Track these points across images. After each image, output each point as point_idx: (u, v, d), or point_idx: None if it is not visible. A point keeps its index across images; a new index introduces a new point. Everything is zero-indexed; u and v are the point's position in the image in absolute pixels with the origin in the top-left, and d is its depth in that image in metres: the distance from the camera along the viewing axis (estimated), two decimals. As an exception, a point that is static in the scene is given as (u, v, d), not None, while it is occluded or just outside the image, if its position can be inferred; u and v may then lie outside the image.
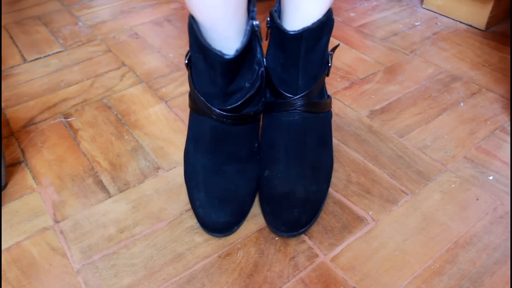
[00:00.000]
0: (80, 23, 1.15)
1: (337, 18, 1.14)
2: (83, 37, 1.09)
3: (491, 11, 1.03)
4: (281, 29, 0.54)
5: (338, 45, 0.64)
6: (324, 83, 0.62)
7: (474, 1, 1.04)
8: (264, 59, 0.60)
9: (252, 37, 0.54)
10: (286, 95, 0.59)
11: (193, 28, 0.51)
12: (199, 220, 0.59)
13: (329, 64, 0.61)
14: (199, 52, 0.52)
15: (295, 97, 0.58)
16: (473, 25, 1.07)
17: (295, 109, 0.59)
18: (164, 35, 1.08)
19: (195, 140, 0.61)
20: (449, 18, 1.11)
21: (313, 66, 0.57)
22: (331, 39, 0.79)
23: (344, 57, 0.97)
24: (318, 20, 0.53)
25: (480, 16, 1.04)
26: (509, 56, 0.95)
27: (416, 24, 1.09)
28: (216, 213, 0.58)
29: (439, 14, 1.12)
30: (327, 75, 0.62)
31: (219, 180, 0.60)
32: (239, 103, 0.56)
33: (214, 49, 0.50)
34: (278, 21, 0.55)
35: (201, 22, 0.51)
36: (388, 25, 1.09)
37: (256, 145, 0.63)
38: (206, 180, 0.60)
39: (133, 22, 1.14)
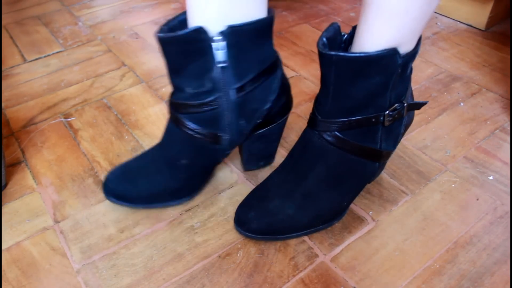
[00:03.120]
0: (80, 23, 1.15)
1: (336, 18, 1.14)
2: (83, 37, 1.09)
3: (491, 11, 1.03)
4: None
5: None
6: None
7: (474, 1, 1.04)
8: (232, 92, 0.56)
9: (201, 45, 0.52)
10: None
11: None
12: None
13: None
14: None
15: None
16: (473, 25, 1.07)
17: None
18: (164, 35, 1.08)
19: None
20: (449, 18, 1.11)
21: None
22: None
23: (344, 57, 0.97)
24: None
25: (480, 16, 1.04)
26: (509, 56, 0.95)
27: (416, 24, 1.09)
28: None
29: (439, 14, 1.12)
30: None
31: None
32: (180, 101, 0.57)
33: (160, 28, 0.54)
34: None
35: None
36: (388, 25, 1.09)
37: (179, 158, 0.61)
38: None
39: (133, 22, 1.14)
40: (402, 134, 0.58)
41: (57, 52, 1.03)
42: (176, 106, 0.58)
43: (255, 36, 0.54)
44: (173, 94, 0.59)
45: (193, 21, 0.53)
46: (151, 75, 0.93)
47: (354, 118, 0.52)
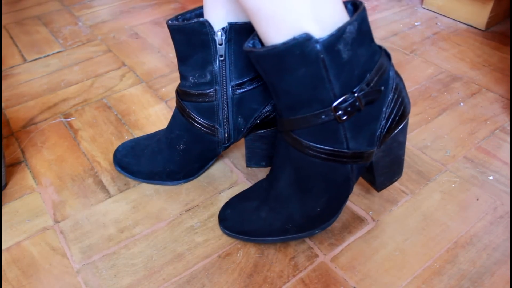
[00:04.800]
0: (80, 23, 1.15)
1: (337, 18, 1.14)
2: (83, 37, 1.09)
3: (491, 11, 1.03)
4: None
5: None
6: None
7: (474, 1, 1.04)
8: (230, 87, 0.58)
9: (204, 38, 0.55)
10: None
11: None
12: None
13: None
14: None
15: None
16: (473, 25, 1.07)
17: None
18: (164, 35, 1.08)
19: None
20: (449, 18, 1.11)
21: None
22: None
23: (344, 57, 0.97)
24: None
25: (480, 16, 1.04)
26: (509, 56, 0.95)
27: (416, 24, 1.09)
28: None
29: (439, 14, 1.12)
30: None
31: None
32: (183, 86, 0.61)
33: (175, 17, 0.57)
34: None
35: None
36: (388, 25, 1.09)
37: (178, 142, 0.64)
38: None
39: (133, 22, 1.14)
40: (386, 131, 0.52)
41: (57, 52, 1.03)
42: (180, 93, 0.62)
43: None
44: (180, 81, 0.62)
45: (205, 16, 0.56)
46: (151, 75, 0.93)
47: (299, 116, 0.48)
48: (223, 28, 0.54)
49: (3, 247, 0.59)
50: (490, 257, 0.56)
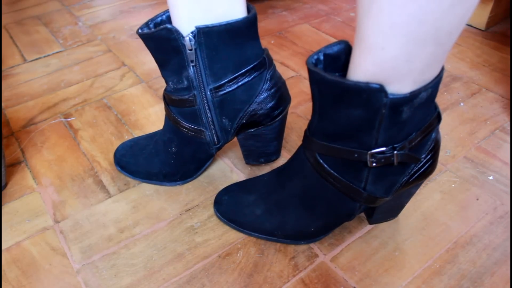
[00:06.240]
0: (80, 23, 1.15)
1: (336, 18, 1.14)
2: (83, 37, 1.09)
3: (491, 11, 1.03)
4: None
5: None
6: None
7: (474, 1, 1.04)
8: (209, 92, 0.57)
9: (175, 44, 0.53)
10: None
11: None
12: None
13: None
14: None
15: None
16: (473, 25, 1.07)
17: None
18: (164, 35, 1.08)
19: None
20: (449, 18, 1.10)
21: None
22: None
23: (344, 57, 0.97)
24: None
25: (480, 16, 1.04)
26: (509, 56, 0.95)
27: (416, 24, 1.09)
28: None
29: (439, 14, 1.12)
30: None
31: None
32: (166, 91, 0.60)
33: (146, 23, 0.56)
34: None
35: None
36: (388, 25, 1.09)
37: (170, 145, 0.64)
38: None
39: (133, 22, 1.14)
40: (407, 184, 0.52)
41: (57, 52, 1.03)
42: (166, 97, 0.61)
43: (229, 37, 0.53)
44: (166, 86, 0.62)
45: (172, 20, 0.54)
46: (151, 75, 0.93)
47: (334, 146, 0.48)
48: (192, 32, 0.52)
49: (3, 247, 0.59)
50: (490, 257, 0.56)
